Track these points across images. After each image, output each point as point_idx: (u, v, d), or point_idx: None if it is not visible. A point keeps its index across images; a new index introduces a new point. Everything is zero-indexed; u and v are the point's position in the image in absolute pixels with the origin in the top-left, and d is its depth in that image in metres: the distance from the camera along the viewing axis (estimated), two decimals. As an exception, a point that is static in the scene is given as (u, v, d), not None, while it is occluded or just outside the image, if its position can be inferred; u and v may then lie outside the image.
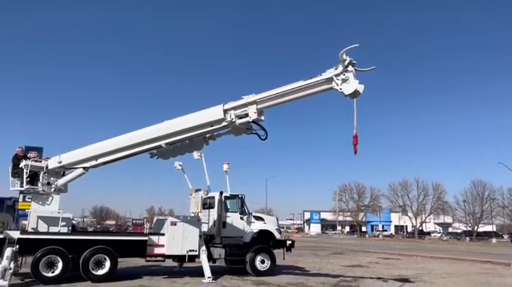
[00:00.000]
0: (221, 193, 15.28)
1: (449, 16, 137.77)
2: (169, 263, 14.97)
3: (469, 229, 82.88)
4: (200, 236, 14.14)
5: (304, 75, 11.52)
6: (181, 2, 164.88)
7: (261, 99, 11.70)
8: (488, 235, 72.89)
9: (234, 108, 11.90)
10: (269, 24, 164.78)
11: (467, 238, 71.25)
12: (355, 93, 10.76)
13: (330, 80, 11.08)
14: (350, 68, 10.80)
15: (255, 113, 11.66)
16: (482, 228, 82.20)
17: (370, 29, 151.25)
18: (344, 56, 10.70)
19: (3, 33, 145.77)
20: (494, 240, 67.71)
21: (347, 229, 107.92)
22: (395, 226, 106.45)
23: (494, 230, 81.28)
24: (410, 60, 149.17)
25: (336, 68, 11.02)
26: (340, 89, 10.89)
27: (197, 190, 16.81)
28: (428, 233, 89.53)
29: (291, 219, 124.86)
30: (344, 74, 10.82)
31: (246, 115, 11.78)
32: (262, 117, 11.91)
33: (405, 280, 14.48)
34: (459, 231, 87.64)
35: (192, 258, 14.02)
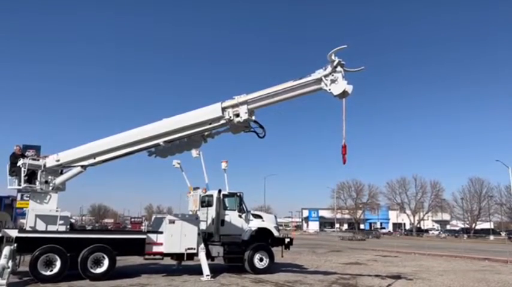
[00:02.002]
0: (219, 191, 15.27)
1: (450, 14, 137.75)
2: (168, 261, 14.95)
3: (467, 226, 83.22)
4: (199, 234, 14.13)
5: (296, 76, 11.67)
6: (178, 4, 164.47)
7: (251, 100, 11.83)
8: (486, 232, 73.27)
9: (232, 106, 11.94)
10: (268, 23, 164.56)
11: (465, 235, 71.58)
12: (344, 94, 10.91)
13: (319, 80, 11.23)
14: (339, 68, 10.95)
15: (246, 113, 11.80)
16: (480, 225, 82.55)
17: (373, 26, 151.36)
18: (333, 57, 10.84)
19: (1, 32, 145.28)
20: (491, 237, 68.06)
21: (345, 226, 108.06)
22: (393, 224, 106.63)
23: (492, 227, 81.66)
24: (410, 58, 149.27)
25: (325, 69, 11.17)
26: (329, 89, 11.04)
27: (195, 188, 16.79)
28: (426, 231, 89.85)
29: (289, 217, 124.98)
30: (333, 75, 10.98)
31: (238, 115, 11.89)
32: (253, 117, 12.09)
33: (403, 277, 14.51)
34: (457, 228, 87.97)
35: (191, 256, 14.01)
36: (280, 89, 11.63)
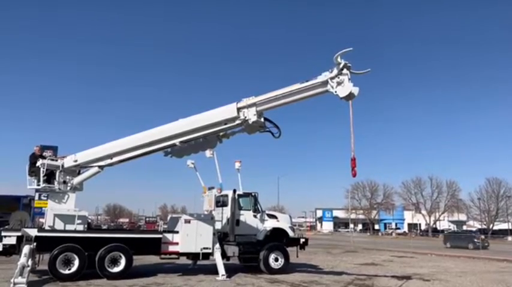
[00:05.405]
0: (234, 191, 15.29)
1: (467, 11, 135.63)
2: (184, 260, 15.04)
3: (484, 227, 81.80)
4: (214, 234, 14.19)
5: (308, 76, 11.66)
6: (183, 3, 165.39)
7: (260, 102, 11.87)
8: (503, 233, 71.95)
9: (247, 107, 11.98)
10: (276, 22, 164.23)
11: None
12: (350, 96, 10.89)
13: (325, 83, 11.21)
14: (345, 71, 10.91)
15: (254, 115, 11.87)
16: (497, 226, 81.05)
17: (380, 22, 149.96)
18: (339, 59, 10.79)
19: (15, 30, 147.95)
20: (510, 238, 66.86)
21: (360, 226, 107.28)
22: (409, 224, 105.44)
23: (510, 228, 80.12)
24: (424, 55, 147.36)
25: (331, 71, 11.13)
26: (335, 91, 11.02)
27: (210, 188, 16.86)
28: (442, 231, 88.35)
29: (303, 217, 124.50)
30: (339, 77, 10.95)
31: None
32: (262, 119, 12.14)
33: (421, 279, 14.34)
34: (474, 229, 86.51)
35: (206, 256, 14.09)
36: (287, 92, 11.68)
